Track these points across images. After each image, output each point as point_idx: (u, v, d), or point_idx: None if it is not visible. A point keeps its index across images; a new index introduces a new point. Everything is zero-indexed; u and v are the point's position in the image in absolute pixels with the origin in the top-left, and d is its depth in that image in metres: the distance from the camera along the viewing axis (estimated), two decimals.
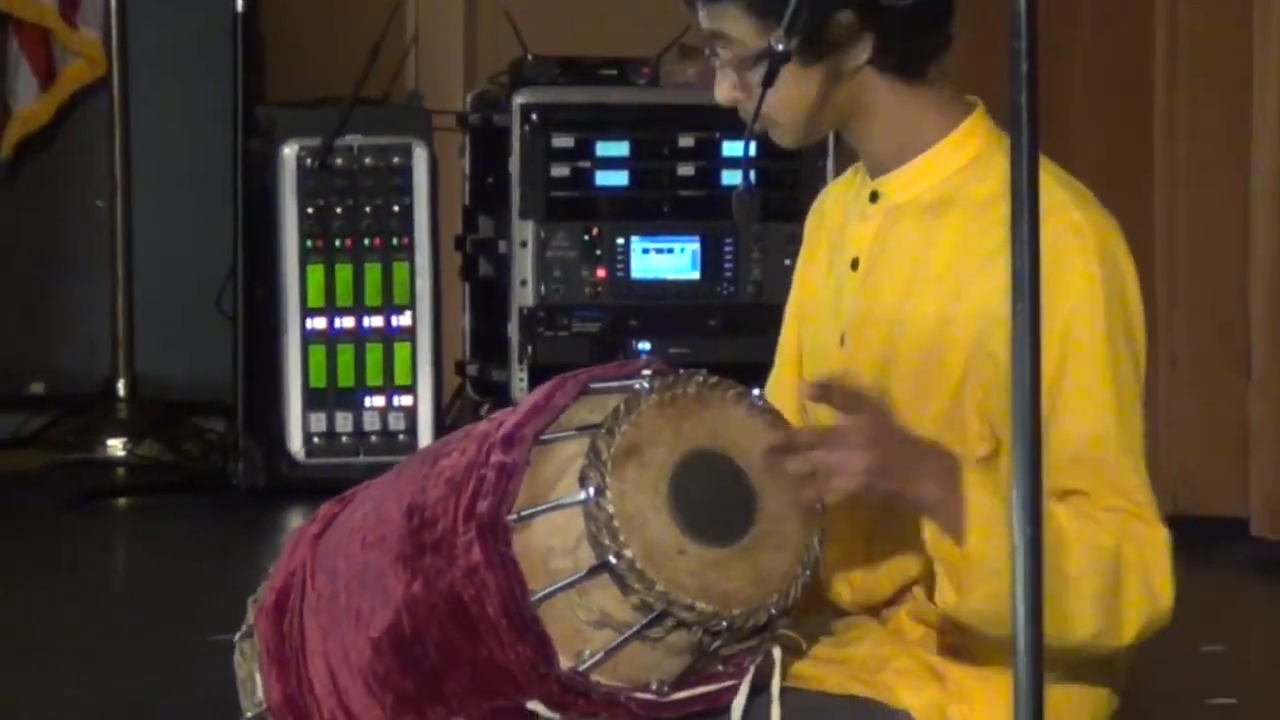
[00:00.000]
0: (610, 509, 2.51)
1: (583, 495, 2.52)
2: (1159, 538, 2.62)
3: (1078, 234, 2.66)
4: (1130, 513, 2.62)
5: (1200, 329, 5.50)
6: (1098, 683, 2.75)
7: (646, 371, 2.59)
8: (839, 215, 2.84)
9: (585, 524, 2.52)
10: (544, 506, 2.56)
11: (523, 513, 2.57)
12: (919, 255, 2.74)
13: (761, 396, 2.63)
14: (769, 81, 2.62)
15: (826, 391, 2.60)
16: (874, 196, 2.78)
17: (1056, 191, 2.68)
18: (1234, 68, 5.43)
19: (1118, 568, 2.59)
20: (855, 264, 2.79)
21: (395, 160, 6.23)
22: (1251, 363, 5.40)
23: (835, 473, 2.53)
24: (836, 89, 2.71)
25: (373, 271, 6.21)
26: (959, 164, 2.74)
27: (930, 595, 2.65)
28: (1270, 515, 5.32)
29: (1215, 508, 5.44)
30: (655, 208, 6.16)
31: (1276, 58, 5.30)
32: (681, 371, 2.60)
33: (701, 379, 2.60)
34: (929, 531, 2.57)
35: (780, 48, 2.60)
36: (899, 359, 2.72)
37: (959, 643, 2.72)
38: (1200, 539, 5.19)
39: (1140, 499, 2.63)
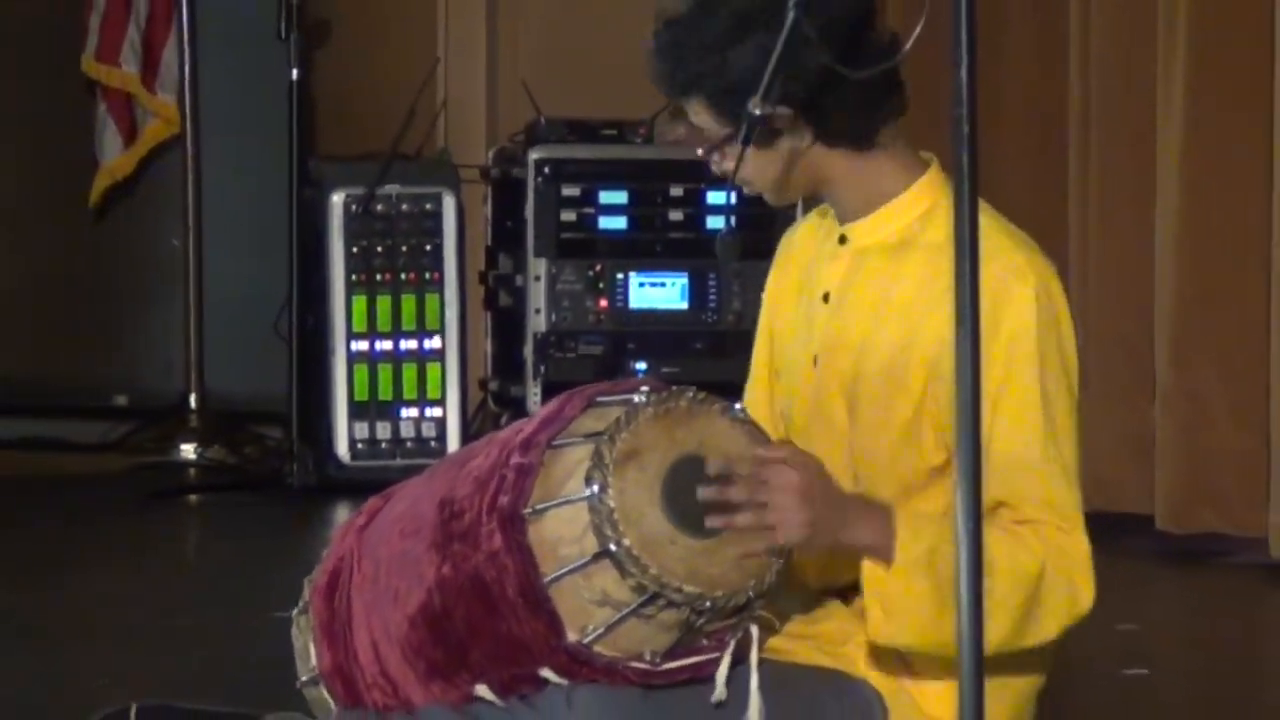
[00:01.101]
0: (612, 504, 2.51)
1: (588, 492, 2.52)
2: (1079, 548, 2.60)
3: (1019, 275, 2.64)
4: (1051, 524, 2.60)
5: (1112, 354, 5.48)
6: (1030, 660, 2.74)
7: (644, 388, 2.58)
8: (809, 249, 2.83)
9: (590, 517, 2.52)
10: (555, 502, 2.55)
11: (537, 507, 2.56)
12: (883, 291, 2.73)
13: (743, 410, 2.62)
14: (748, 138, 2.61)
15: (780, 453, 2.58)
16: (843, 239, 2.77)
17: (1002, 239, 2.66)
18: (1139, 125, 5.43)
19: (1041, 585, 2.57)
20: (827, 297, 2.77)
21: (428, 206, 6.22)
22: (1156, 383, 5.39)
23: (778, 526, 2.52)
24: (795, 164, 2.71)
25: (408, 301, 6.19)
26: (917, 213, 2.73)
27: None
28: (1171, 512, 5.31)
29: (1124, 505, 5.43)
30: (650, 248, 6.15)
31: (1178, 115, 5.29)
32: (674, 388, 2.59)
33: (691, 394, 2.59)
34: (865, 570, 2.56)
35: (757, 112, 2.59)
36: (865, 380, 2.71)
37: None
38: (1111, 532, 5.17)
39: (1065, 511, 2.61)
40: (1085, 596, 2.60)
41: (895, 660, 2.68)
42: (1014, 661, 2.68)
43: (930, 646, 2.54)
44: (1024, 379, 2.62)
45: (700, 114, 2.69)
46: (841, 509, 2.54)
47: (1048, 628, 2.61)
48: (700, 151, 2.73)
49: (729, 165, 2.66)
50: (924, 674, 2.68)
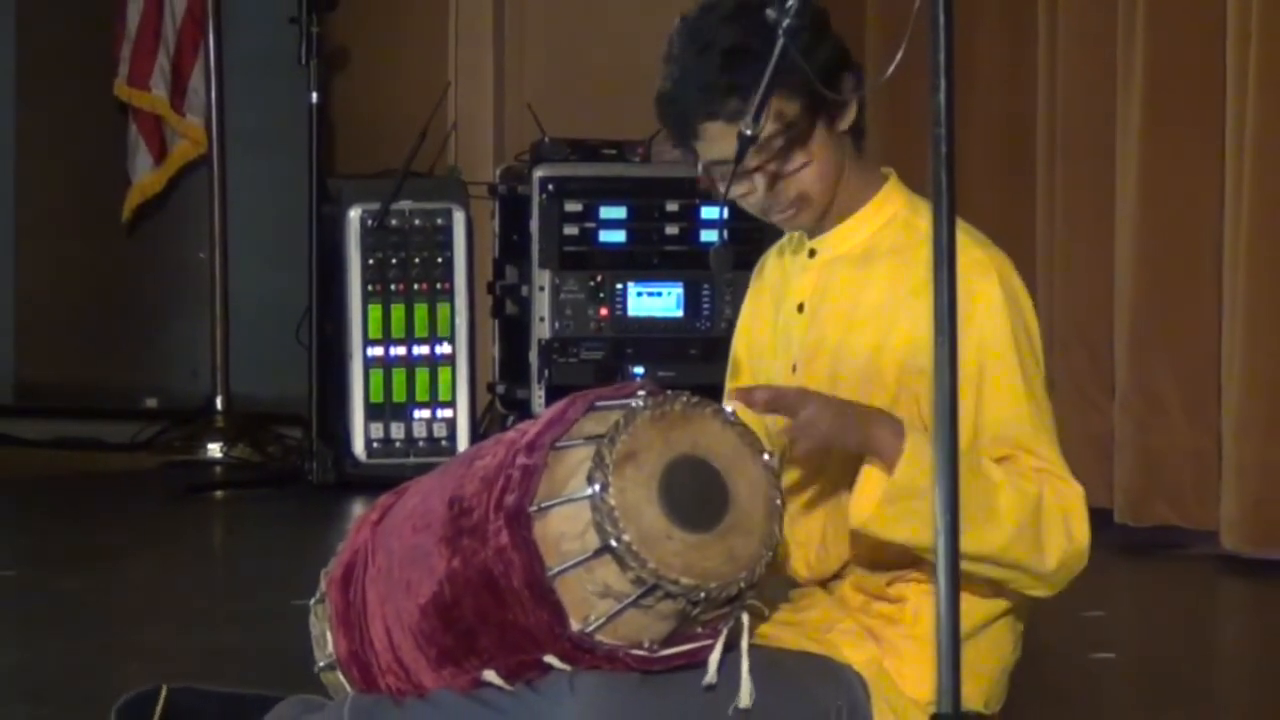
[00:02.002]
0: (612, 502, 2.50)
1: (590, 491, 2.51)
2: (1074, 491, 2.64)
3: (981, 267, 2.67)
4: (1049, 471, 2.63)
5: (1075, 357, 5.48)
6: (1003, 638, 2.73)
7: (642, 392, 2.57)
8: (778, 273, 2.84)
9: (591, 514, 2.51)
10: (558, 500, 2.54)
11: (541, 505, 2.55)
12: (854, 297, 2.74)
13: (734, 413, 2.61)
14: (742, 155, 2.59)
15: (776, 396, 2.59)
16: (812, 253, 2.78)
17: (962, 237, 2.67)
18: (1100, 142, 5.43)
19: (1039, 508, 2.59)
20: (801, 308, 2.78)
21: (439, 221, 6.21)
22: (1115, 385, 5.39)
23: (804, 427, 2.53)
24: (840, 154, 2.70)
25: (421, 310, 6.18)
26: (880, 223, 2.75)
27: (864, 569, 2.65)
28: (1130, 506, 5.30)
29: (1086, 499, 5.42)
30: (647, 260, 6.13)
31: (1135, 132, 5.29)
32: (669, 392, 2.58)
33: (686, 398, 2.58)
34: (867, 467, 2.56)
35: (749, 132, 2.56)
36: (843, 380, 2.71)
37: (891, 611, 2.71)
38: None
39: (1056, 465, 2.65)
40: (1080, 534, 2.62)
41: (874, 645, 2.67)
42: (987, 641, 2.67)
43: (918, 540, 2.51)
44: (1002, 359, 2.65)
45: (725, 138, 2.62)
46: (861, 412, 2.57)
47: (1049, 557, 2.60)
48: (705, 174, 2.69)
49: (770, 169, 2.63)
50: (903, 656, 2.67)
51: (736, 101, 2.59)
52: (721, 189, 2.65)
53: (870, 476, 2.57)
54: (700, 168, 2.71)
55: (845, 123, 2.71)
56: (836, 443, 2.57)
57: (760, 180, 2.69)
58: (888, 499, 2.54)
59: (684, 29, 2.67)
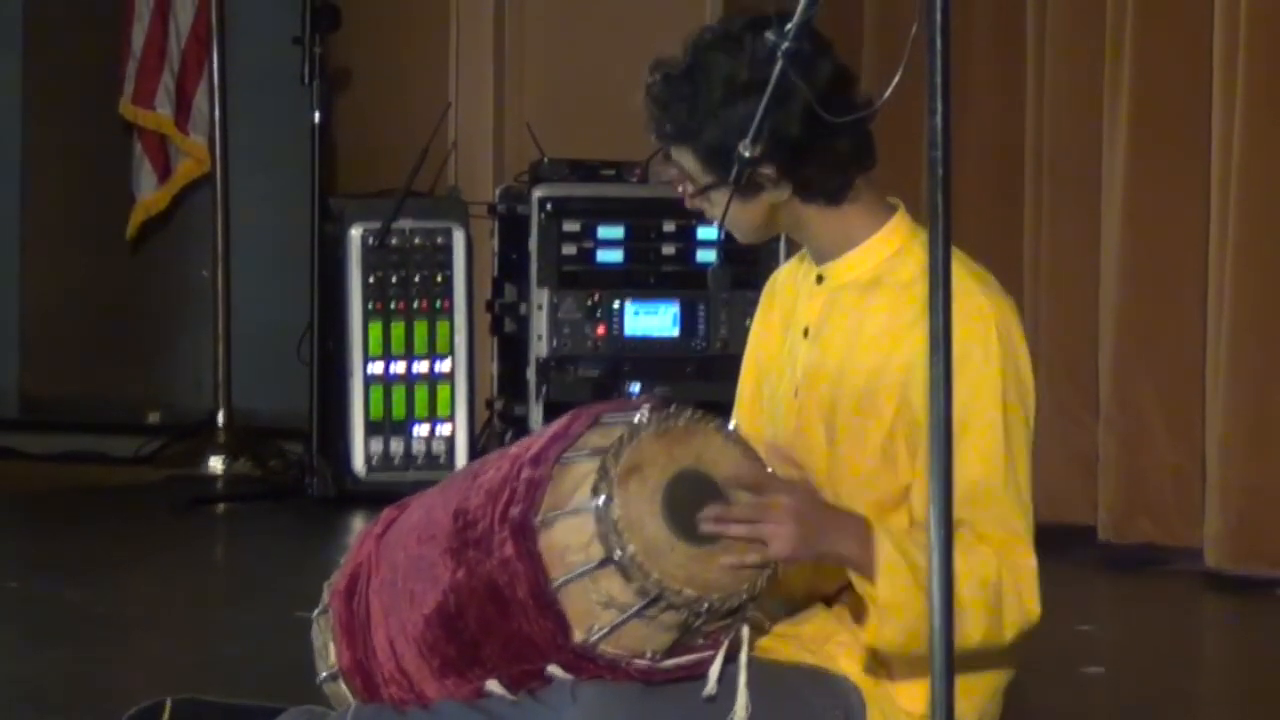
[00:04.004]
0: (616, 514, 2.50)
1: (594, 503, 2.51)
2: (1029, 565, 2.62)
3: (982, 315, 2.66)
4: (1006, 542, 2.62)
5: (1059, 379, 5.49)
6: (997, 658, 2.74)
7: (645, 407, 2.58)
8: (789, 292, 2.85)
9: (596, 526, 2.50)
10: (563, 512, 2.54)
11: (546, 517, 2.55)
12: (857, 324, 2.74)
13: (736, 428, 2.62)
14: (740, 178, 2.61)
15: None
16: (819, 279, 2.78)
17: (966, 279, 2.67)
18: (1087, 167, 5.44)
19: (1000, 595, 2.59)
20: (806, 332, 2.78)
21: (439, 240, 6.21)
22: (1099, 405, 5.40)
23: (770, 541, 2.52)
24: (774, 214, 2.73)
25: (420, 327, 6.18)
26: (886, 254, 2.74)
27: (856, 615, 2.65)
28: (1114, 524, 5.31)
29: (1069, 517, 5.43)
30: (644, 279, 6.13)
31: (1121, 157, 5.30)
32: (673, 408, 2.59)
33: (689, 414, 2.58)
34: (855, 582, 2.57)
35: (747, 154, 2.58)
36: (843, 407, 2.72)
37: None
38: (1057, 542, 5.17)
39: (1019, 531, 2.63)
40: (1033, 607, 2.63)
41: (872, 659, 2.67)
42: (982, 658, 2.68)
43: (922, 643, 2.53)
44: (987, 414, 2.64)
45: (686, 160, 2.70)
46: (825, 525, 2.55)
47: (1006, 633, 2.62)
48: (683, 190, 2.73)
49: (709, 209, 2.70)
50: (900, 673, 2.67)
51: (723, 130, 2.61)
52: (685, 193, 2.73)
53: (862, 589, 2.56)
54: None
55: (775, 198, 2.69)
56: (801, 559, 2.57)
57: (693, 204, 2.73)
58: (881, 621, 2.55)
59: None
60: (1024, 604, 2.60)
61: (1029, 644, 2.69)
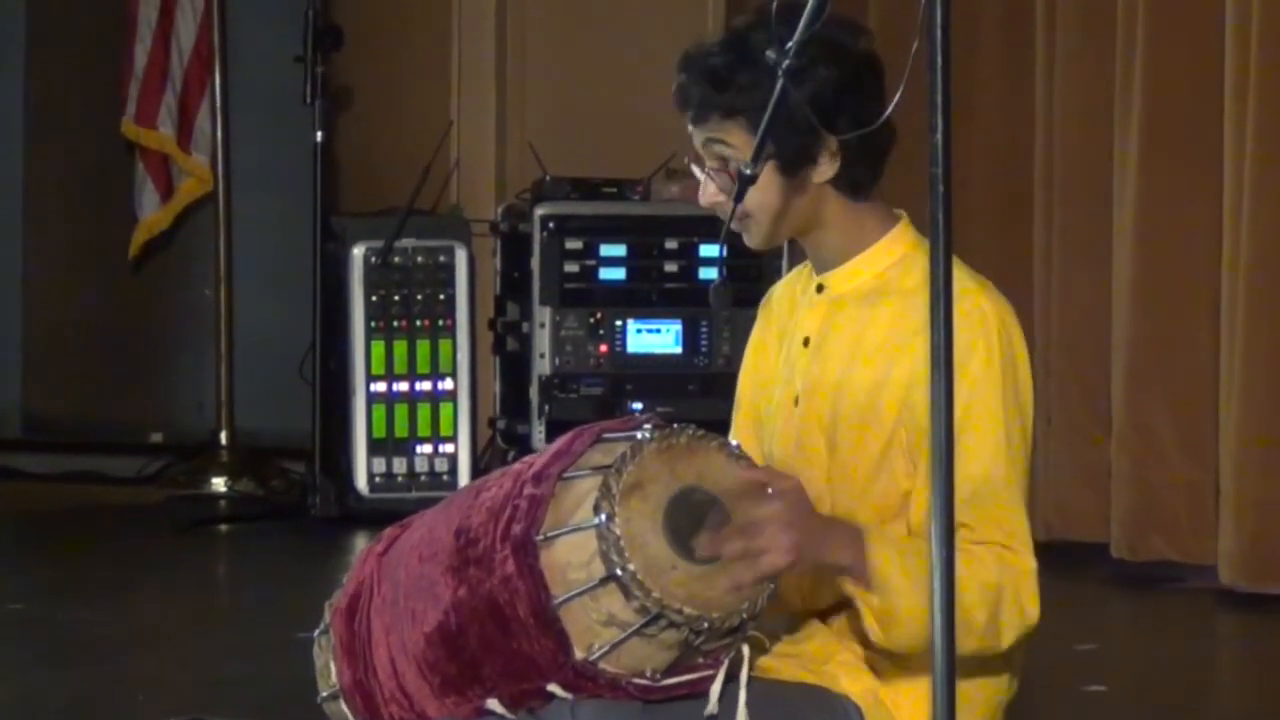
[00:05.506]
0: (618, 532, 2.49)
1: (596, 521, 2.50)
2: (1028, 569, 2.62)
3: (982, 317, 2.66)
4: (1005, 546, 2.62)
5: (1071, 395, 5.49)
6: (999, 671, 2.74)
7: (648, 425, 2.58)
8: (785, 306, 2.84)
9: (597, 544, 2.50)
10: (565, 529, 2.54)
11: (548, 534, 2.54)
12: (858, 334, 2.74)
13: (738, 446, 2.62)
14: (741, 194, 2.61)
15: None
16: (820, 288, 2.78)
17: (966, 281, 2.68)
18: (1098, 183, 5.45)
19: (1000, 599, 2.59)
20: (806, 341, 2.78)
21: (441, 259, 6.22)
22: (1111, 422, 5.40)
23: (765, 553, 2.52)
24: (800, 201, 2.71)
25: (423, 346, 6.19)
26: (888, 263, 2.74)
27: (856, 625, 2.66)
28: (1126, 541, 5.31)
29: (1082, 534, 5.43)
30: (646, 297, 6.15)
31: (1133, 174, 5.31)
32: (675, 425, 2.59)
33: (691, 431, 2.58)
34: (849, 586, 2.57)
35: (749, 172, 2.59)
36: (843, 417, 2.72)
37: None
38: (1069, 559, 5.18)
39: (1017, 535, 2.63)
40: (1032, 610, 2.62)
41: (871, 676, 2.68)
42: (983, 674, 2.68)
43: (922, 646, 2.53)
44: (987, 416, 2.64)
45: (734, 135, 2.66)
46: (821, 534, 2.55)
47: (1005, 637, 2.61)
48: (705, 190, 2.71)
49: (724, 200, 2.67)
50: (899, 688, 2.67)
51: (734, 97, 2.60)
52: (709, 172, 2.70)
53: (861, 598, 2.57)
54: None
55: (819, 175, 2.69)
56: (798, 567, 2.57)
57: (710, 184, 2.71)
58: (883, 625, 2.55)
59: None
60: (1023, 607, 2.60)
61: (1032, 660, 2.69)
